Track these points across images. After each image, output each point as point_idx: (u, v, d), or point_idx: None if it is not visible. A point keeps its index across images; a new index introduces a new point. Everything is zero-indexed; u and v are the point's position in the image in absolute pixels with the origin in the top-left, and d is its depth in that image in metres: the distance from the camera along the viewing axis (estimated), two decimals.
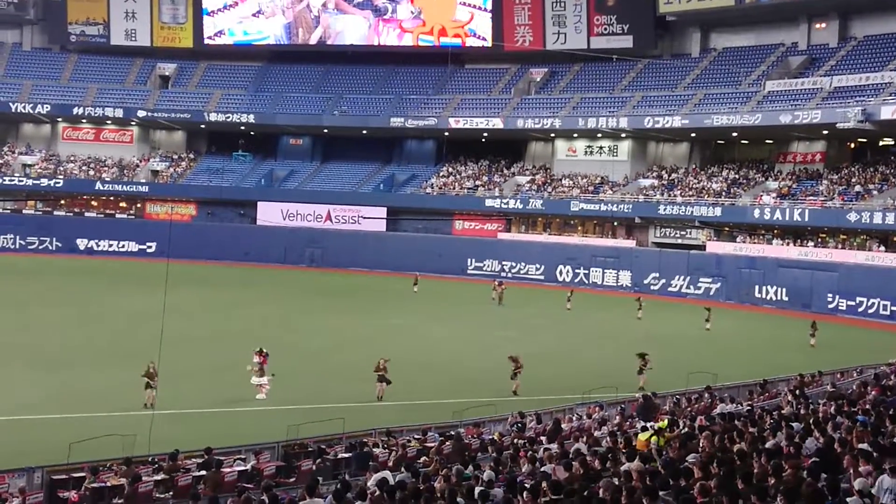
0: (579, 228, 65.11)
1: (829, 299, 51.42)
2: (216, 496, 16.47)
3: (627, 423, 22.78)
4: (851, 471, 11.65)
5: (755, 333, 45.79)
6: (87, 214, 72.99)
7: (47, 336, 37.89)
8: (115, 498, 17.30)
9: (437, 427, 24.16)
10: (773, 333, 45.35)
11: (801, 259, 54.69)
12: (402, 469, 18.21)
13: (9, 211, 72.41)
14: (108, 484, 19.20)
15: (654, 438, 14.97)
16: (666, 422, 17.57)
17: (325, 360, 35.52)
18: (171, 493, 19.57)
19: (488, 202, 67.94)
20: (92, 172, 74.40)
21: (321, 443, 22.76)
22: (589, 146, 69.20)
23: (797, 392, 24.55)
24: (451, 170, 72.62)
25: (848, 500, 9.38)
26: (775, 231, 56.92)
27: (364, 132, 73.90)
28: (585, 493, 12.29)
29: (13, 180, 72.73)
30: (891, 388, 22.80)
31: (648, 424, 19.64)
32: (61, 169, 74.34)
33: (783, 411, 20.64)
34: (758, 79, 62.03)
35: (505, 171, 71.20)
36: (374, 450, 22.28)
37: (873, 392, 22.22)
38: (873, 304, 50.03)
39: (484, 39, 74.10)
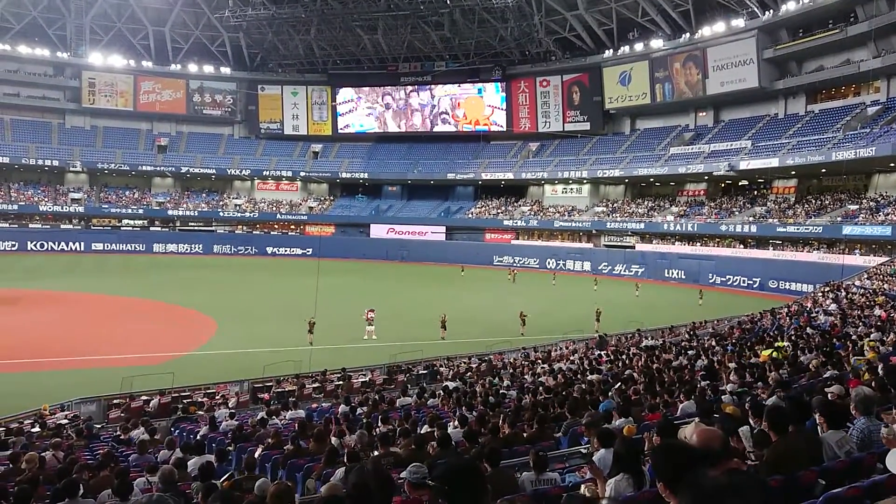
0: (559, 237, 64.65)
1: (710, 277, 50.62)
2: (349, 395, 16.63)
3: (589, 352, 22.66)
4: (725, 379, 11.50)
5: (665, 298, 45.31)
6: (272, 233, 73.74)
7: (252, 302, 38.55)
8: (290, 397, 17.51)
9: (476, 354, 24.22)
10: (676, 298, 44.82)
11: (692, 253, 53.89)
12: (457, 380, 18.25)
13: (227, 231, 73.47)
14: (286, 389, 19.46)
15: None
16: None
17: (410, 314, 35.70)
18: (322, 394, 19.78)
19: (505, 222, 67.63)
20: (274, 208, 75.18)
21: (409, 364, 22.90)
22: (564, 188, 68.62)
23: (691, 332, 24.26)
24: (483, 204, 72.30)
25: (723, 397, 9.25)
26: (676, 237, 56.15)
27: (432, 182, 73.68)
28: (564, 393, 12.23)
29: (229, 214, 73.84)
30: (748, 329, 22.46)
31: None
32: (256, 206, 75.20)
33: (683, 343, 20.42)
34: (665, 146, 61.20)
35: (515, 204, 70.79)
36: (440, 369, 22.37)
37: (737, 332, 21.94)
38: (737, 279, 49.39)
39: (501, 126, 73.89)
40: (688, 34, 58.30)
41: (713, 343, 18.87)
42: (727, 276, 50.02)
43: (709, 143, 57.93)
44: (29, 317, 31.84)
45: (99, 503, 6.86)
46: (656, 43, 60.73)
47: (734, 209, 54.69)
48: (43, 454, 9.94)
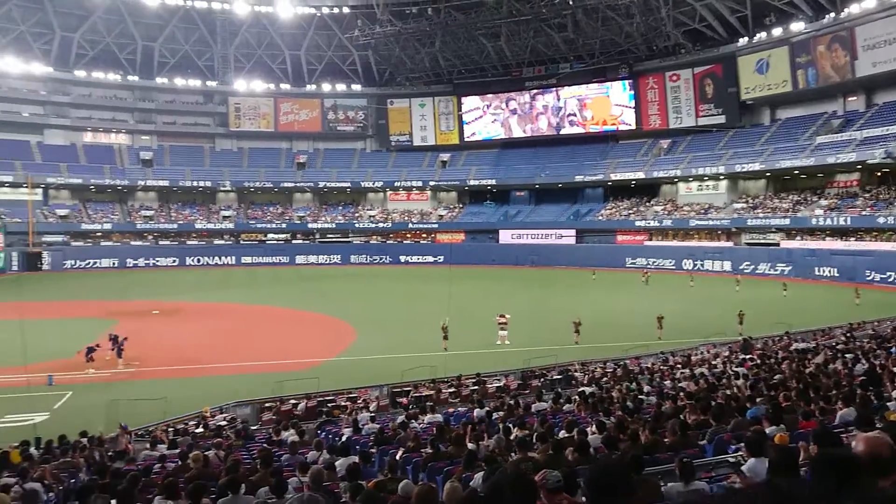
0: (696, 236, 61.91)
1: (867, 274, 46.65)
2: (482, 399, 16.77)
3: (733, 356, 21.55)
4: (889, 385, 10.61)
5: (816, 298, 42.20)
6: (404, 242, 75.74)
7: (388, 309, 39.73)
8: (427, 402, 17.88)
9: (612, 359, 23.70)
10: (829, 297, 41.62)
11: (846, 248, 49.96)
12: (593, 385, 17.93)
13: (362, 241, 76.22)
14: (423, 393, 19.90)
15: None
16: None
17: (542, 319, 35.37)
18: (458, 399, 20.07)
19: (637, 223, 65.72)
20: (406, 218, 77.23)
21: (543, 369, 22.76)
22: (699, 185, 65.62)
23: (848, 334, 22.50)
24: (613, 205, 70.59)
25: (888, 404, 8.53)
26: (827, 232, 52.22)
27: (560, 185, 72.90)
28: (707, 399, 11.71)
29: (363, 225, 76.67)
30: None
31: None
32: (389, 217, 77.52)
33: (838, 346, 18.99)
34: (811, 135, 57.19)
35: (647, 204, 68.61)
36: (575, 373, 22.06)
37: None
38: None
39: (630, 125, 72.07)
40: (832, 14, 54.46)
41: (874, 346, 17.39)
42: (888, 273, 45.84)
43: (861, 129, 53.50)
44: (189, 327, 34.60)
45: (258, 500, 7.33)
46: (797, 26, 57.08)
47: (893, 199, 50.12)
48: (206, 453, 10.76)
